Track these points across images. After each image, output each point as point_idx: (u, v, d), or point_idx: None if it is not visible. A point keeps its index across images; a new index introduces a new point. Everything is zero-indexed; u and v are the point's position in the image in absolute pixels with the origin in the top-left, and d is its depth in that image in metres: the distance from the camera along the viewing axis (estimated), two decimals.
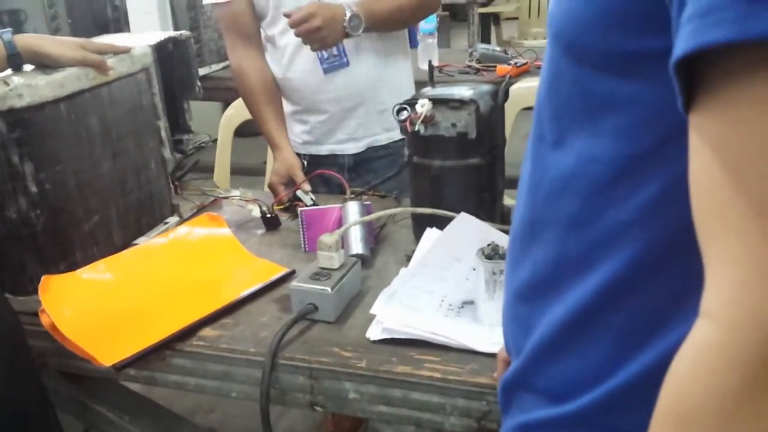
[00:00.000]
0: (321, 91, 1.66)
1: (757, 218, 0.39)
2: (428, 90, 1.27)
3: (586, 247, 0.54)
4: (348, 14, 1.49)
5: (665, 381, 0.43)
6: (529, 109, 2.26)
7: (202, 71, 2.20)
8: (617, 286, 0.53)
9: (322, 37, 1.47)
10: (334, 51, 1.60)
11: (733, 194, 0.40)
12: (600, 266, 0.53)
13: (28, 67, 1.16)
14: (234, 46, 1.65)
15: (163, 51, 1.42)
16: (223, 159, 2.35)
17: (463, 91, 1.21)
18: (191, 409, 2.14)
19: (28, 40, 1.16)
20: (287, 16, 1.46)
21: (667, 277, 0.51)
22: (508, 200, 1.41)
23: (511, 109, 1.76)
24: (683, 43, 0.39)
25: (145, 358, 1.05)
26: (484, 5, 5.09)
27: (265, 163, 2.38)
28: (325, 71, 1.63)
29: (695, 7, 0.39)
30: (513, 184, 1.44)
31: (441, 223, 1.21)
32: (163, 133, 1.42)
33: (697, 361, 0.41)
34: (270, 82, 1.66)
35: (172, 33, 1.47)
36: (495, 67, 2.65)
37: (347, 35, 1.51)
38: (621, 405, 0.54)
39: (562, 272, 0.57)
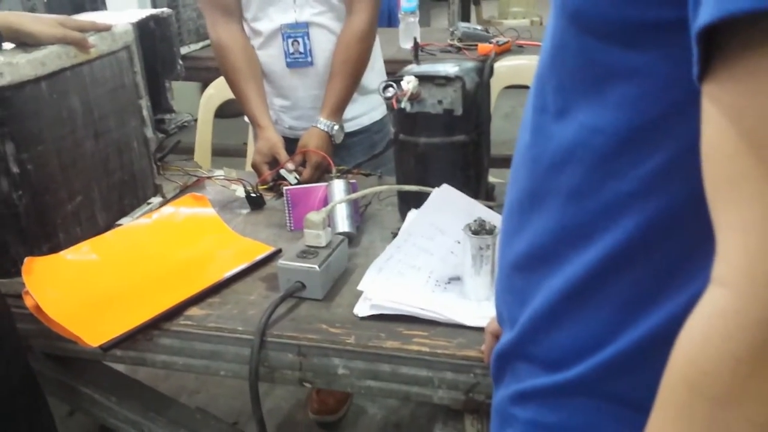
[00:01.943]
0: (286, 77, 1.67)
1: None
2: (413, 67, 1.26)
3: (587, 218, 0.55)
4: (330, 131, 1.57)
5: (676, 346, 0.44)
6: (511, 87, 2.29)
7: (181, 51, 2.16)
8: (619, 256, 0.53)
9: (324, 167, 1.52)
10: (300, 48, 1.60)
11: (749, 162, 0.40)
12: (602, 237, 0.54)
13: (7, 45, 1.14)
14: (214, 21, 1.63)
15: (144, 29, 1.41)
16: (203, 139, 2.33)
17: (449, 68, 1.21)
18: (175, 390, 2.14)
19: (7, 17, 1.14)
20: (297, 178, 1.50)
21: (667, 247, 0.52)
22: (492, 178, 1.42)
23: (493, 88, 1.77)
24: (708, 10, 0.39)
25: (132, 339, 1.04)
26: None
27: (246, 144, 2.36)
28: (288, 65, 1.64)
29: None
30: (495, 162, 1.46)
31: (426, 200, 1.21)
32: (145, 113, 1.40)
33: (711, 326, 0.42)
34: (252, 58, 1.65)
35: (153, 11, 1.45)
36: (476, 46, 2.64)
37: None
38: (618, 372, 0.55)
39: (562, 243, 0.57)
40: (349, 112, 1.68)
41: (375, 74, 1.73)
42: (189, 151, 2.28)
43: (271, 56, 1.66)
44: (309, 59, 1.63)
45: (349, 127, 1.71)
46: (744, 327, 0.40)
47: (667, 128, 0.49)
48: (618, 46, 0.50)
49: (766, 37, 0.39)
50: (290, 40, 1.61)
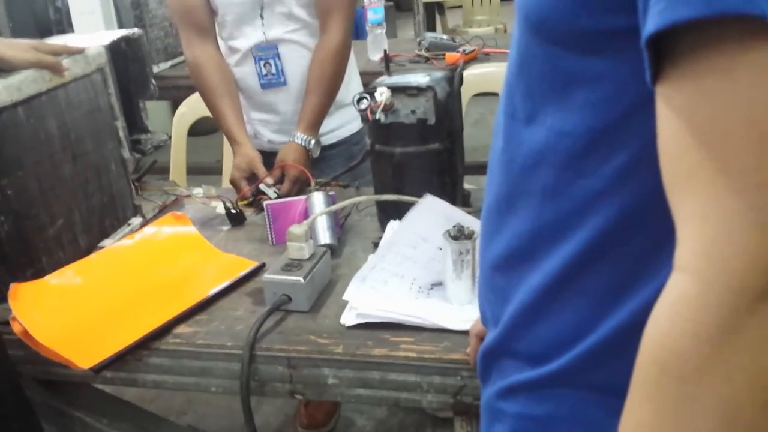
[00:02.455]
0: (262, 95, 1.70)
1: (723, 177, 0.43)
2: (385, 78, 1.29)
3: (561, 216, 0.58)
4: (307, 146, 1.58)
5: (646, 331, 0.47)
6: (480, 95, 2.32)
7: None
8: (592, 250, 0.57)
9: (303, 181, 1.53)
10: (273, 69, 1.63)
11: (701, 156, 0.43)
12: (575, 233, 0.57)
13: None
14: (189, 40, 1.65)
15: (116, 50, 1.41)
16: (178, 158, 2.33)
17: (420, 78, 1.24)
18: (162, 411, 2.12)
19: None
20: (277, 192, 1.51)
21: (637, 239, 0.55)
22: (467, 185, 1.45)
23: (463, 96, 1.80)
24: (655, 19, 0.43)
25: (122, 359, 1.05)
26: None
27: (219, 161, 2.37)
28: (262, 87, 1.67)
29: None
30: (468, 169, 1.49)
31: (405, 209, 1.23)
32: (122, 134, 1.41)
33: (675, 311, 0.45)
34: (227, 76, 1.66)
35: (124, 32, 1.46)
36: (444, 55, 2.68)
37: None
38: (598, 361, 0.58)
39: (539, 241, 0.60)
40: (327, 125, 1.70)
41: (353, 87, 1.76)
42: (164, 171, 2.29)
43: (247, 73, 1.68)
44: (282, 79, 1.65)
45: (328, 139, 1.73)
46: (705, 308, 0.43)
47: (628, 128, 0.52)
48: (579, 54, 0.53)
49: (709, 41, 0.42)
50: (262, 63, 1.64)
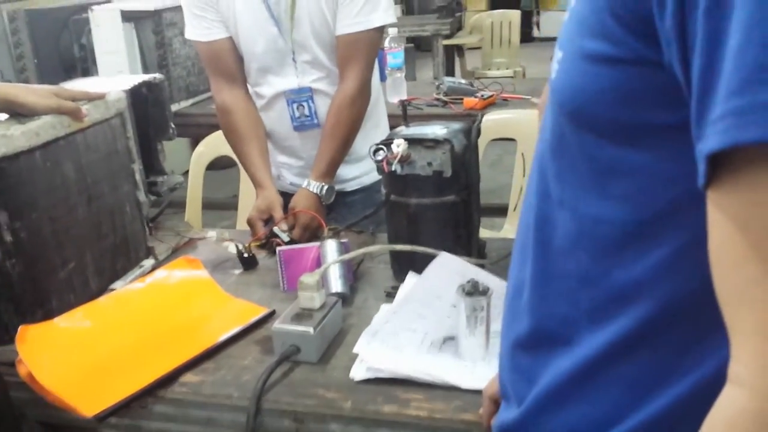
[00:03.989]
0: (291, 138, 1.71)
1: None
2: (402, 129, 1.29)
3: (597, 304, 0.56)
4: (319, 192, 1.59)
5: None
6: (498, 140, 2.32)
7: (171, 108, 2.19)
8: (628, 341, 0.55)
9: (315, 227, 1.54)
10: (306, 111, 1.64)
11: (757, 269, 0.42)
12: (611, 322, 0.55)
13: (1, 116, 1.15)
14: (218, 85, 1.68)
15: (136, 95, 1.43)
16: (194, 196, 2.34)
17: (437, 130, 1.24)
18: None
19: (2, 88, 1.16)
20: (290, 236, 1.51)
21: (677, 332, 0.53)
22: (483, 230, 1.44)
23: (481, 142, 1.80)
24: (720, 137, 0.42)
25: (127, 407, 1.03)
26: (448, 37, 5.18)
27: (235, 196, 2.38)
28: (295, 128, 1.68)
29: (726, 107, 0.42)
30: (484, 211, 1.48)
31: (419, 259, 1.22)
32: (138, 177, 1.41)
33: (731, 425, 0.44)
34: (255, 120, 1.69)
35: (145, 77, 1.47)
36: (462, 99, 2.70)
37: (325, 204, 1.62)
38: None
39: (572, 326, 0.58)
40: (351, 172, 1.72)
41: (379, 133, 1.76)
42: (179, 205, 2.30)
43: (274, 118, 1.70)
44: (315, 121, 1.67)
45: (351, 186, 1.75)
46: (764, 425, 0.42)
47: (671, 222, 0.51)
48: (617, 145, 0.52)
49: None
50: (295, 105, 1.66)
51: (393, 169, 1.20)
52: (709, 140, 0.43)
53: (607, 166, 0.53)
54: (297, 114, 1.67)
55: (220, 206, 3.42)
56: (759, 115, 0.40)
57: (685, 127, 0.46)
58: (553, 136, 0.59)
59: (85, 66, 2.95)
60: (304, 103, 1.65)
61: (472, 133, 1.26)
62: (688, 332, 0.53)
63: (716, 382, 0.46)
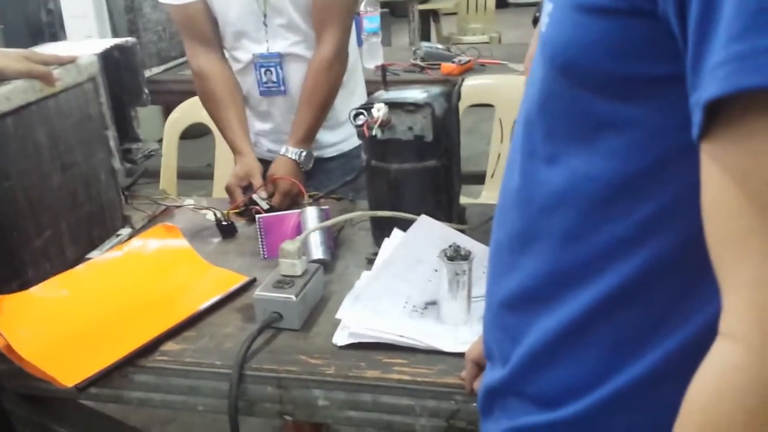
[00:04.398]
0: (262, 104, 1.69)
1: None
2: (382, 93, 1.27)
3: (582, 261, 0.56)
4: (298, 159, 1.56)
5: (688, 397, 0.45)
6: (475, 106, 2.31)
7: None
8: (614, 298, 0.55)
9: (294, 194, 1.52)
10: (273, 77, 1.62)
11: (755, 221, 0.42)
12: (596, 280, 0.55)
13: None
14: (194, 50, 1.64)
15: (109, 59, 1.39)
16: (169, 164, 2.31)
17: (417, 94, 1.23)
18: (147, 421, 2.10)
19: None
20: (269, 204, 1.49)
21: (663, 289, 0.53)
22: (462, 197, 1.44)
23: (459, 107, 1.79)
24: (719, 84, 0.41)
25: (107, 376, 1.03)
26: (423, 2, 5.12)
27: (210, 165, 2.35)
28: (261, 93, 1.66)
29: (726, 52, 0.41)
30: (463, 179, 1.48)
31: (399, 225, 1.22)
32: (112, 143, 1.39)
33: (723, 380, 0.43)
34: (232, 85, 1.66)
35: (117, 40, 1.43)
36: (439, 65, 2.67)
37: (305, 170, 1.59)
38: (613, 411, 0.56)
39: (556, 284, 0.58)
40: (329, 138, 1.70)
41: (356, 100, 1.74)
42: (154, 174, 2.26)
43: (250, 83, 1.67)
44: (282, 88, 1.64)
45: (329, 152, 1.73)
46: (757, 381, 0.41)
47: (660, 177, 0.50)
48: (609, 98, 0.51)
49: None
50: (263, 70, 1.63)
51: (373, 133, 1.19)
52: (708, 87, 0.42)
53: (597, 121, 0.53)
54: (264, 79, 1.64)
55: (195, 175, 3.37)
56: (761, 60, 0.39)
57: (679, 80, 0.45)
58: (542, 93, 0.58)
59: (53, 30, 2.87)
60: (272, 69, 1.63)
61: (452, 96, 1.25)
62: (674, 288, 0.53)
63: (705, 338, 0.46)
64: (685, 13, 0.43)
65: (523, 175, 0.61)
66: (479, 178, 2.46)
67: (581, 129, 0.54)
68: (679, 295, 0.52)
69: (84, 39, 2.65)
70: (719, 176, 0.43)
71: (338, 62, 1.59)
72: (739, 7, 0.40)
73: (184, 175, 2.64)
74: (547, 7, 0.55)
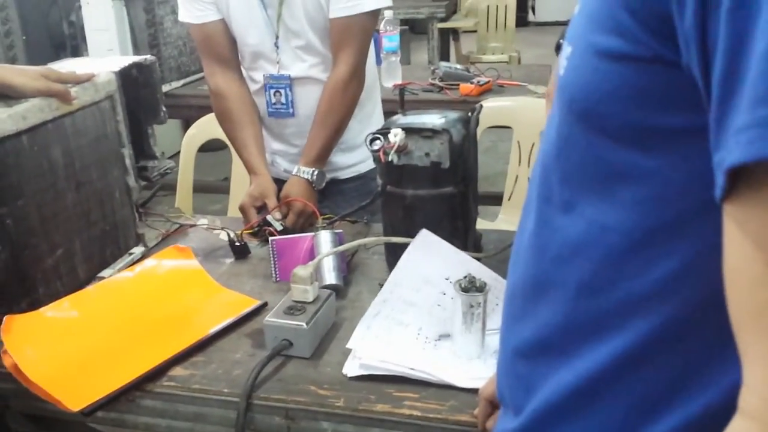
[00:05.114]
0: (273, 125, 1.69)
1: None
2: (399, 118, 1.26)
3: (598, 315, 0.54)
4: (310, 177, 1.55)
5: None
6: (494, 127, 2.29)
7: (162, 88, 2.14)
8: (632, 357, 0.52)
9: (308, 213, 1.51)
10: (282, 99, 1.62)
11: None
12: (614, 335, 0.53)
13: None
14: (212, 69, 1.65)
15: (127, 77, 1.39)
16: (185, 180, 2.30)
17: (435, 120, 1.21)
18: None
19: None
20: (283, 225, 1.48)
21: (683, 350, 0.51)
22: (479, 222, 1.42)
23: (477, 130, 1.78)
24: (743, 150, 0.39)
25: (114, 401, 1.01)
26: (443, 20, 5.12)
27: (227, 179, 2.34)
28: (269, 114, 1.65)
29: (751, 116, 0.39)
30: (480, 200, 1.46)
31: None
32: (128, 161, 1.38)
33: None
34: (249, 105, 1.66)
35: (136, 58, 1.43)
36: (458, 85, 2.66)
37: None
38: None
39: (572, 337, 0.56)
40: (347, 159, 1.70)
41: (374, 122, 1.73)
42: (170, 188, 2.26)
43: (263, 103, 1.67)
44: (290, 110, 1.64)
45: (346, 174, 1.72)
46: None
47: (680, 233, 0.48)
48: (628, 148, 0.49)
49: None
50: (272, 91, 1.63)
51: (390, 159, 1.17)
52: (733, 152, 0.40)
53: (616, 171, 0.50)
54: (273, 100, 1.64)
55: (211, 189, 3.37)
56: None
57: (701, 133, 0.43)
58: (559, 137, 0.56)
59: (75, 43, 2.89)
60: (282, 90, 1.62)
61: (470, 123, 1.23)
62: (696, 350, 0.50)
63: (728, 406, 0.43)
64: (709, 66, 0.42)
65: (539, 220, 0.59)
66: (497, 199, 2.44)
67: (598, 177, 0.52)
68: (701, 358, 0.50)
69: (105, 52, 2.67)
70: (741, 241, 0.41)
71: (354, 83, 1.58)
72: (765, 66, 0.38)
73: (200, 188, 2.64)
74: (566, 50, 0.53)
